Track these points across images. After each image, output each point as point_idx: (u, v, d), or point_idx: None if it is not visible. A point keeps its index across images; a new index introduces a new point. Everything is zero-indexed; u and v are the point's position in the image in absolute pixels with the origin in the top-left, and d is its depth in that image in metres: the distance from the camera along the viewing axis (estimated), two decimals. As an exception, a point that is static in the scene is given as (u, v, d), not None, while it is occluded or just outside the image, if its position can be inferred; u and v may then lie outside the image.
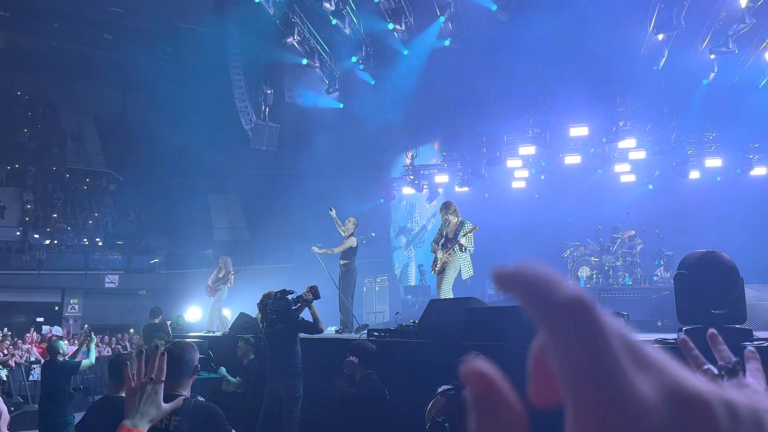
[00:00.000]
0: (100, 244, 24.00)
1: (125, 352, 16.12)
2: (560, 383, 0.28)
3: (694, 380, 0.28)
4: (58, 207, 24.78)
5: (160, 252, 24.07)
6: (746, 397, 0.29)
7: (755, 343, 3.94)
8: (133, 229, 25.65)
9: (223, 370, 7.37)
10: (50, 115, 27.55)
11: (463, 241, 7.64)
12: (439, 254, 7.86)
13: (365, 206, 17.89)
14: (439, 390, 2.20)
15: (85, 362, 7.23)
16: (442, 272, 7.85)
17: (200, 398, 3.38)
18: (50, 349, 7.16)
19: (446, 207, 8.05)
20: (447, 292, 7.76)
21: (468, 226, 7.75)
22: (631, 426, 0.26)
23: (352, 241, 9.22)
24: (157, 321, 10.30)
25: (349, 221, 9.43)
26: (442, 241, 7.94)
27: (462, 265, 7.77)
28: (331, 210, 9.61)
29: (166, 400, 3.24)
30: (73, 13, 23.55)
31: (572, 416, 0.27)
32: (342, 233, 9.42)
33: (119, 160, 27.00)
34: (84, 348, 7.74)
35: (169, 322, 10.10)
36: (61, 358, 6.95)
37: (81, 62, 25.48)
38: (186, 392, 3.31)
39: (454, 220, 7.89)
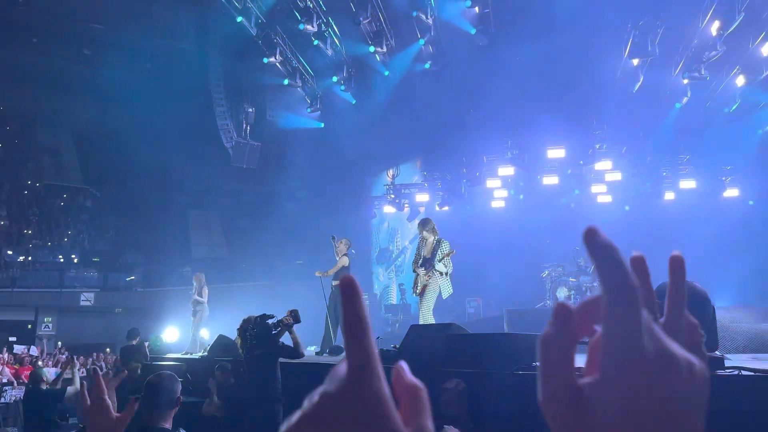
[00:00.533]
0: (76, 261, 23.66)
1: (101, 372, 15.88)
2: (603, 328, 0.42)
3: (676, 347, 0.43)
4: (33, 223, 24.40)
5: (137, 269, 23.79)
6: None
7: (726, 371, 4.05)
8: (110, 245, 25.34)
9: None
10: (27, 129, 27.19)
11: (440, 266, 7.72)
12: (421, 276, 7.90)
13: (346, 225, 17.92)
14: None
15: (71, 389, 6.97)
16: (422, 295, 7.91)
17: (182, 430, 3.38)
18: (33, 376, 6.99)
19: (423, 224, 8.14)
20: (428, 314, 7.83)
21: (445, 248, 7.82)
22: (636, 362, 0.41)
23: (345, 261, 9.28)
24: (134, 342, 10.18)
25: (341, 242, 9.46)
26: (421, 260, 7.99)
27: (441, 286, 7.87)
28: (333, 239, 9.62)
29: (148, 434, 3.25)
30: (53, 28, 23.36)
31: (603, 349, 0.42)
32: (338, 257, 9.41)
33: (97, 176, 26.69)
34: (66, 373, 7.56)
35: (146, 344, 9.99)
36: (44, 386, 6.76)
37: (59, 77, 25.25)
38: (168, 424, 3.31)
39: (430, 238, 7.95)
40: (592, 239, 0.44)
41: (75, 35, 24.08)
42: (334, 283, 9.24)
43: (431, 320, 7.81)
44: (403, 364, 0.47)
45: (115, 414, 1.73)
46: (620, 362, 0.41)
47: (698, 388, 0.44)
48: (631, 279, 0.42)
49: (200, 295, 10.74)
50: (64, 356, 17.05)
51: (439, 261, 7.74)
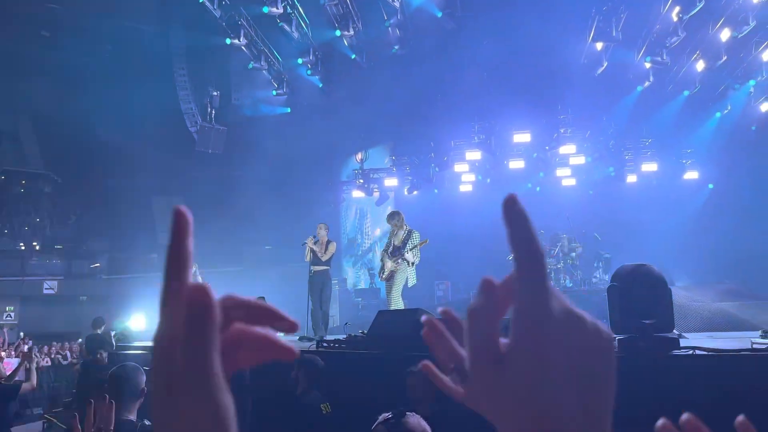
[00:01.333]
0: (38, 248, 23.12)
1: (66, 362, 15.65)
2: (515, 295, 0.45)
3: (583, 312, 0.47)
4: (-9, 210, 23.75)
5: (102, 256, 23.36)
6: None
7: (682, 351, 4.20)
8: (73, 232, 24.80)
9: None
10: (-17, 114, 26.33)
11: (409, 256, 7.88)
12: (388, 263, 8.02)
13: (315, 210, 17.88)
14: (379, 419, 2.27)
15: (26, 386, 6.53)
16: (390, 280, 8.06)
17: (147, 422, 3.37)
18: None
19: (392, 217, 8.26)
20: (397, 299, 7.99)
21: (416, 238, 7.96)
22: (544, 321, 0.44)
23: (333, 247, 9.06)
24: (99, 331, 10.03)
25: (321, 228, 9.13)
26: (391, 249, 8.12)
27: (408, 275, 8.06)
28: (305, 243, 9.24)
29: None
30: (7, 9, 22.57)
31: (514, 311, 0.45)
32: (320, 253, 9.02)
33: (58, 161, 26.02)
34: (23, 368, 7.00)
35: (113, 333, 9.84)
36: (2, 380, 6.42)
37: (16, 60, 24.42)
38: (132, 416, 3.30)
39: (401, 231, 8.11)
40: (509, 208, 0.47)
41: (32, 16, 23.29)
42: (323, 268, 9.01)
43: (401, 305, 7.95)
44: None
45: None
46: (530, 322, 0.44)
47: (605, 348, 0.46)
48: (539, 247, 0.45)
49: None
50: (26, 346, 16.72)
51: (410, 250, 7.87)
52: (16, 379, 6.72)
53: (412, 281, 8.08)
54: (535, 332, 0.44)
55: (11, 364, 13.99)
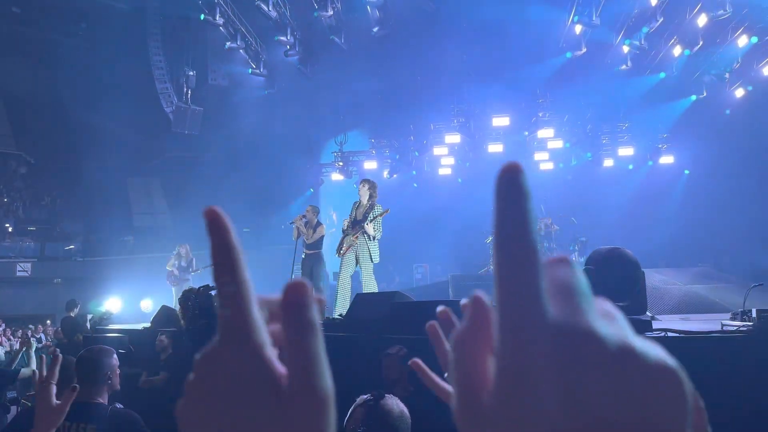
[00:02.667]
0: (11, 230, 22.69)
1: (41, 344, 15.43)
2: (495, 294, 0.33)
3: (608, 325, 0.33)
4: (-38, 191, 23.23)
5: (76, 238, 23.03)
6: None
7: (654, 333, 4.27)
8: (47, 214, 24.38)
9: None
10: (-49, 92, 25.62)
11: (369, 229, 7.44)
12: (348, 237, 7.65)
13: (293, 192, 17.80)
14: (358, 401, 2.27)
15: (25, 370, 6.33)
16: (357, 260, 7.66)
17: (118, 405, 3.34)
18: None
19: (369, 182, 7.82)
20: (369, 278, 7.65)
21: (378, 209, 7.57)
22: (536, 334, 0.31)
23: (323, 230, 9.04)
24: (72, 314, 9.92)
25: (309, 211, 9.06)
26: (351, 222, 7.74)
27: (371, 250, 7.60)
28: (292, 223, 9.21)
29: (82, 409, 3.20)
30: (-24, -16, 21.94)
31: (497, 322, 0.32)
32: (306, 235, 8.99)
33: (31, 141, 25.47)
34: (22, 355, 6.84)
35: (89, 316, 9.71)
36: None
37: (-15, 37, 23.78)
38: (103, 399, 3.26)
39: (365, 200, 7.69)
40: (509, 179, 0.33)
41: (1, -9, 22.64)
42: (312, 252, 8.97)
43: (374, 283, 7.68)
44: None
45: (55, 402, 1.73)
46: (514, 334, 0.32)
47: (646, 385, 0.31)
48: (534, 236, 0.33)
49: (190, 265, 10.51)
50: (29, 332, 16.48)
51: (370, 222, 7.47)
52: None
53: (376, 256, 7.61)
54: (521, 348, 0.32)
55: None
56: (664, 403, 0.31)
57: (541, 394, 0.31)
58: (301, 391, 0.37)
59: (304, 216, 9.03)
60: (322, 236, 9.04)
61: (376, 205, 7.65)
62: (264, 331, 0.38)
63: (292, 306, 0.38)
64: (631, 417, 0.30)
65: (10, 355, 6.25)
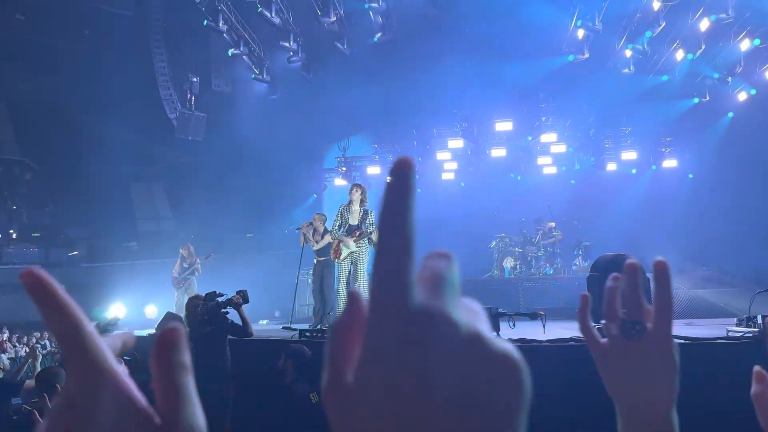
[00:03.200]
0: (15, 236, 22.77)
1: (45, 351, 15.46)
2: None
3: (479, 326, 0.36)
4: (-34, 197, 23.31)
5: (80, 244, 23.09)
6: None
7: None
8: (51, 220, 24.47)
9: None
10: (-44, 99, 25.74)
11: (375, 237, 7.48)
12: (349, 243, 7.63)
13: (296, 197, 17.84)
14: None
15: (30, 382, 6.03)
16: (355, 265, 7.70)
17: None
18: None
19: (356, 188, 7.86)
20: (365, 283, 7.65)
21: (374, 217, 7.58)
22: (397, 321, 0.34)
23: (329, 237, 9.10)
24: None
25: (316, 219, 9.26)
26: (347, 227, 7.71)
27: (368, 256, 7.67)
28: (299, 229, 9.37)
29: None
30: (-20, -9, 22.05)
31: (368, 303, 0.35)
32: (312, 243, 9.19)
33: (34, 147, 25.56)
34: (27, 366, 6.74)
35: (95, 323, 9.69)
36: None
37: (-11, 44, 23.89)
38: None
39: (355, 206, 7.71)
40: (399, 173, 0.36)
41: (5, -1, 22.76)
42: (322, 258, 9.06)
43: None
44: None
45: None
46: (377, 314, 0.34)
47: (488, 370, 0.34)
48: (409, 229, 0.35)
49: (191, 266, 10.46)
50: (34, 340, 16.52)
51: (375, 230, 7.30)
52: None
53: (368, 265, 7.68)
54: (381, 334, 0.34)
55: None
56: (501, 389, 0.34)
57: (394, 370, 0.33)
58: (174, 427, 0.39)
59: (311, 223, 9.13)
60: (329, 243, 9.11)
61: (371, 212, 7.70)
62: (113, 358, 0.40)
63: (165, 347, 0.41)
64: (471, 398, 0.33)
65: (16, 362, 6.13)
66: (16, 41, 23.71)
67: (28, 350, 15.52)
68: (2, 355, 6.34)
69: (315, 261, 9.21)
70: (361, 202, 7.76)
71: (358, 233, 7.58)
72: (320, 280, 8.94)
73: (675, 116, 15.86)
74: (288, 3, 14.59)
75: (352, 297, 0.39)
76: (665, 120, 15.82)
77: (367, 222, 7.58)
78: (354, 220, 7.67)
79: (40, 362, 6.79)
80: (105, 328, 9.23)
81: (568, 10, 14.00)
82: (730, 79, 14.61)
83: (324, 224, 9.25)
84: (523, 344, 4.46)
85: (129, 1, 20.50)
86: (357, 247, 7.61)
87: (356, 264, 7.73)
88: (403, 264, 0.35)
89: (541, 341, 4.53)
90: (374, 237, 7.48)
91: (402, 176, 0.36)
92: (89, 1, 21.52)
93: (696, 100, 15.75)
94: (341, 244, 7.69)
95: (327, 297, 8.79)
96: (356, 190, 7.83)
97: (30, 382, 6.00)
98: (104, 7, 21.29)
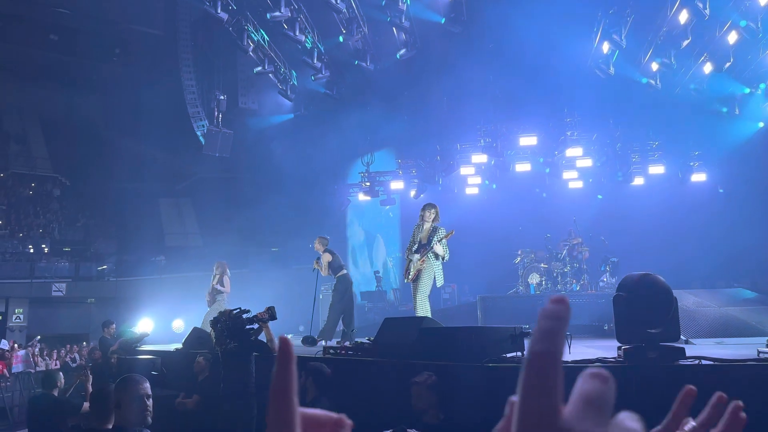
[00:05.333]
0: (46, 251, 23.27)
1: (75, 364, 15.74)
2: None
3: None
4: (1, 213, 23.91)
5: (110, 259, 23.48)
6: None
7: (688, 361, 4.19)
8: (81, 235, 24.95)
9: None
10: (-8, 117, 26.55)
11: (438, 249, 7.46)
12: (415, 261, 7.66)
13: (321, 213, 17.94)
14: None
15: (86, 405, 5.81)
16: (416, 280, 7.67)
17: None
18: (46, 379, 6.02)
19: (427, 207, 7.87)
20: (423, 301, 7.62)
21: (442, 232, 7.61)
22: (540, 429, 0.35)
23: (327, 257, 9.38)
24: (107, 335, 10.12)
25: (317, 243, 9.68)
26: (416, 247, 7.73)
27: (436, 272, 7.64)
28: (316, 263, 9.71)
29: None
30: (17, 14, 22.75)
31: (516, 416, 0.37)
32: (323, 271, 9.56)
33: (66, 164, 26.22)
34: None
35: (122, 339, 9.83)
36: (56, 393, 5.92)
37: (25, 64, 24.64)
38: (140, 427, 3.33)
39: (428, 224, 7.72)
40: (545, 310, 0.39)
41: (40, 20, 23.47)
42: (336, 275, 9.47)
43: (427, 307, 7.62)
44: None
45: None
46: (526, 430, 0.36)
47: None
48: (558, 347, 0.37)
49: (221, 284, 10.52)
50: (37, 348, 16.81)
51: (438, 242, 7.48)
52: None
53: (440, 280, 7.63)
54: None
55: (20, 356, 14.20)
56: None
57: None
58: None
59: (318, 259, 9.63)
60: (330, 261, 9.37)
61: (440, 228, 7.69)
62: None
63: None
64: None
65: (52, 377, 6.15)
66: (49, 61, 24.42)
67: (58, 363, 15.82)
68: (60, 373, 6.37)
69: (335, 279, 9.51)
70: (433, 220, 7.77)
71: (423, 251, 7.58)
72: (340, 298, 9.17)
73: (703, 129, 15.60)
74: (313, 21, 14.79)
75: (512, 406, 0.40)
76: (693, 133, 15.57)
77: (435, 238, 7.55)
78: (424, 239, 7.68)
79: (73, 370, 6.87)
80: (133, 344, 9.38)
81: (593, 25, 13.94)
82: (759, 91, 14.37)
83: (324, 245, 9.56)
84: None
85: (159, 21, 20.99)
86: (421, 264, 7.58)
87: (417, 278, 7.66)
88: (553, 380, 0.36)
89: (567, 362, 4.47)
90: (438, 249, 7.48)
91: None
92: (120, 21, 22.07)
93: (725, 109, 15.50)
94: (411, 264, 7.73)
95: (332, 315, 9.03)
96: (429, 212, 7.81)
97: (86, 405, 5.90)
98: (134, 26, 21.84)
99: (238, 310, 6.06)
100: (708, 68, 14.05)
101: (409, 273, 7.73)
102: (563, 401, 0.37)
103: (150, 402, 3.42)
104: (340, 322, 9.22)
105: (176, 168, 23.75)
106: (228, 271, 10.61)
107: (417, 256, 7.62)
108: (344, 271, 9.54)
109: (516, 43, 13.75)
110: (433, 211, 7.78)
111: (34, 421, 5.71)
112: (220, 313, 6.37)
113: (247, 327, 5.99)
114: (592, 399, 0.38)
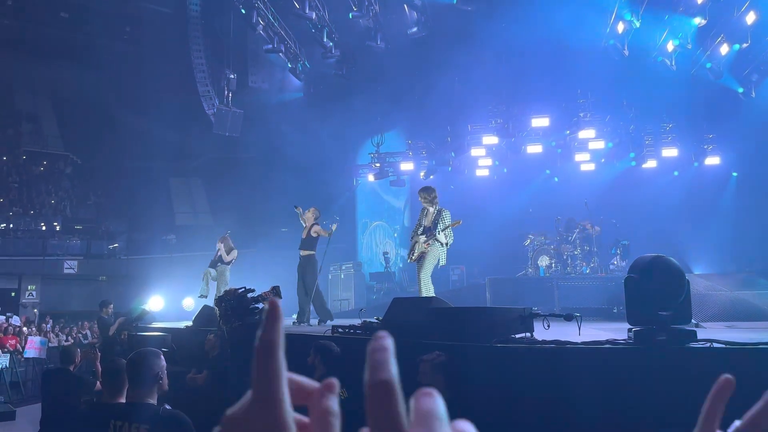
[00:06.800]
0: (58, 228, 23.46)
1: (86, 341, 15.92)
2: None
3: None
4: (13, 190, 24.09)
5: (121, 237, 23.65)
6: None
7: (699, 343, 4.16)
8: (92, 213, 25.12)
9: None
10: (5, 96, 26.58)
11: (442, 237, 7.57)
12: (419, 244, 7.75)
13: (331, 192, 17.91)
14: None
15: (99, 384, 5.70)
16: (420, 261, 7.76)
17: (167, 406, 3.42)
18: (64, 355, 5.99)
19: (426, 191, 7.88)
20: (426, 282, 7.71)
21: (447, 219, 7.67)
22: None
23: (318, 229, 9.33)
24: (105, 314, 10.21)
25: (309, 211, 9.55)
26: (421, 230, 7.80)
27: (440, 254, 7.76)
28: (297, 208, 9.63)
29: (135, 409, 3.30)
30: (27, -10, 22.73)
31: None
32: (304, 224, 9.46)
33: (77, 142, 26.31)
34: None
35: (130, 314, 9.91)
36: (72, 368, 5.84)
37: (36, 42, 24.64)
38: (152, 400, 3.35)
39: (431, 208, 7.77)
40: (372, 346, 0.45)
41: (51, -2, 23.42)
42: (304, 253, 9.29)
43: (430, 287, 7.70)
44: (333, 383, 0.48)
45: None
46: None
47: None
48: (392, 375, 0.43)
49: (230, 253, 10.71)
50: (48, 326, 17.01)
51: (442, 231, 7.57)
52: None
53: (443, 261, 7.79)
54: None
55: (34, 341, 14.31)
56: None
57: None
58: None
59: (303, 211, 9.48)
60: (312, 237, 9.27)
61: (444, 211, 7.74)
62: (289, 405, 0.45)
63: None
64: None
65: (70, 351, 6.16)
66: (60, 39, 24.39)
67: (71, 340, 16.00)
68: (78, 349, 6.38)
69: (301, 255, 9.42)
70: (433, 203, 7.79)
71: (428, 235, 7.65)
72: (302, 280, 9.13)
73: (718, 112, 15.37)
74: (323, 0, 14.66)
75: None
76: (708, 116, 15.35)
77: (440, 225, 7.62)
78: (429, 222, 7.74)
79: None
80: (136, 320, 9.48)
81: (608, 6, 13.71)
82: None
83: (316, 218, 9.53)
84: (558, 346, 4.39)
85: (168, -1, 20.87)
86: (426, 247, 7.66)
87: (421, 259, 7.75)
88: (396, 406, 0.41)
89: (576, 343, 4.44)
90: (440, 238, 7.59)
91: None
92: (130, -1, 21.96)
93: (741, 95, 15.25)
94: (416, 245, 7.80)
95: (309, 294, 8.98)
96: (422, 193, 7.88)
97: (99, 384, 5.68)
98: (144, 4, 21.72)
99: (243, 289, 6.07)
100: (725, 49, 13.81)
101: (413, 253, 7.83)
102: (408, 424, 0.41)
103: (165, 375, 3.44)
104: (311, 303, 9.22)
105: (186, 147, 23.76)
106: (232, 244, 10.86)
107: (423, 237, 7.71)
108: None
109: (530, 22, 13.56)
110: (429, 193, 7.82)
111: (49, 394, 5.72)
112: (226, 292, 6.40)
113: (252, 306, 6.02)
114: (431, 414, 0.42)
